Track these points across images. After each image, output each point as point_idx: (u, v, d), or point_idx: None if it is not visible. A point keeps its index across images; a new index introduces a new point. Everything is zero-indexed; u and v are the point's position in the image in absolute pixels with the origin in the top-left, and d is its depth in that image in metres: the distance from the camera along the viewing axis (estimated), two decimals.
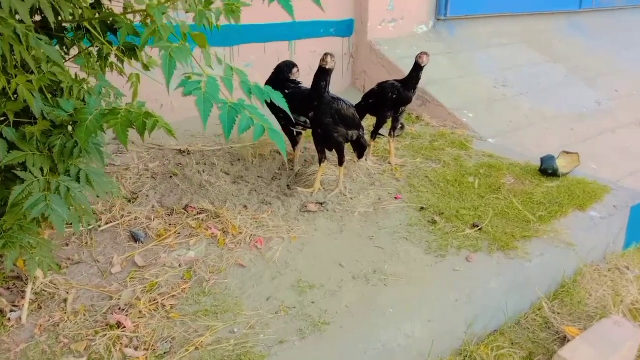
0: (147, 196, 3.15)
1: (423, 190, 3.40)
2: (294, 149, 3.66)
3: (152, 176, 3.42)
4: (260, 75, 5.09)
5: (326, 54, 2.93)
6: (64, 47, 2.06)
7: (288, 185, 3.51)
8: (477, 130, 4.61)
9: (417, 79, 3.51)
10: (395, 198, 3.28)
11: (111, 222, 2.81)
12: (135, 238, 2.68)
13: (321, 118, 3.06)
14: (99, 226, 2.78)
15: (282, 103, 1.66)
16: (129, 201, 3.11)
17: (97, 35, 1.83)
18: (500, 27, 6.60)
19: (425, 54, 3.45)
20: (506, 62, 6.01)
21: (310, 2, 5.29)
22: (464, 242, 2.83)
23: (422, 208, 3.16)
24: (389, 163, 3.80)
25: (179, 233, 2.74)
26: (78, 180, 1.84)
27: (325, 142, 3.20)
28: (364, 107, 3.78)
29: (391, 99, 3.53)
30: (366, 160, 3.80)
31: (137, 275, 2.42)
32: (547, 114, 5.16)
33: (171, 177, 3.40)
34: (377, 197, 3.27)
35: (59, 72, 1.82)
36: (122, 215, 2.86)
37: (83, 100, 1.89)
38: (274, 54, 5.04)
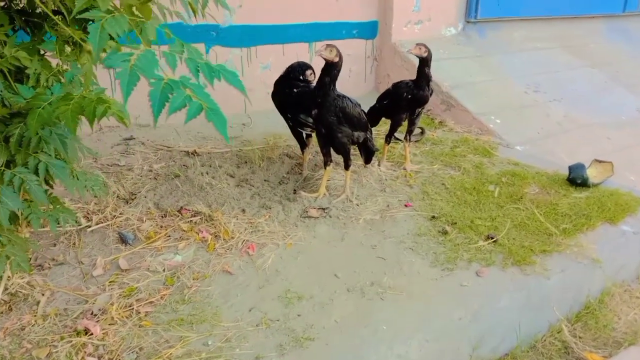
0: (145, 197, 3.04)
1: (437, 198, 3.16)
2: (303, 152, 3.49)
3: (154, 177, 3.32)
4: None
5: (326, 45, 2.74)
6: (40, 32, 1.96)
7: (295, 190, 3.34)
8: (504, 137, 4.33)
9: (426, 75, 3.27)
10: (405, 205, 3.05)
11: (102, 222, 2.71)
12: (123, 240, 2.57)
13: (325, 116, 2.89)
14: (89, 226, 2.68)
15: (236, 83, 1.48)
16: (127, 202, 3.01)
17: (52, 16, 1.70)
18: (535, 30, 6.27)
19: (420, 45, 3.21)
20: (540, 66, 5.68)
21: (332, 2, 5.11)
22: (476, 255, 2.58)
23: (433, 217, 2.93)
24: (404, 169, 3.58)
25: (169, 236, 2.61)
26: (37, 173, 1.72)
27: (330, 143, 3.02)
28: (378, 110, 3.58)
29: (406, 99, 3.31)
30: (379, 165, 3.59)
31: (118, 279, 2.29)
32: (582, 121, 4.81)
33: (173, 178, 3.28)
34: (385, 204, 3.06)
35: (24, 57, 1.71)
36: (114, 216, 2.75)
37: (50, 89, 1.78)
38: (293, 55, 4.89)
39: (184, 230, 2.62)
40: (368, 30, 5.30)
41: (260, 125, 4.50)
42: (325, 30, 5.01)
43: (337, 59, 2.73)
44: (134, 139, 4.03)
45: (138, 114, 4.27)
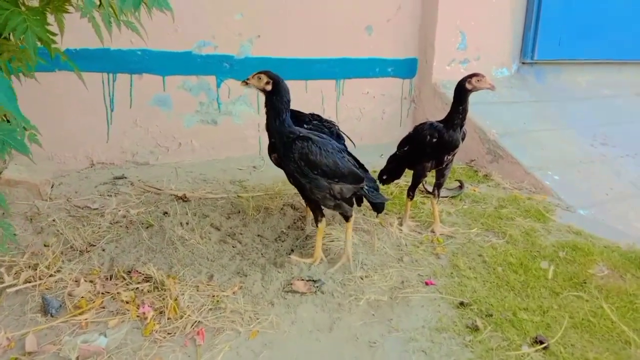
0: (101, 250, 2.48)
1: (469, 276, 2.42)
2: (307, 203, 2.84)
3: (126, 225, 2.77)
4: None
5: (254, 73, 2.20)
6: None
7: (292, 250, 2.69)
8: (563, 197, 3.53)
9: (463, 112, 2.60)
10: (426, 284, 2.33)
11: (31, 281, 2.14)
12: (45, 307, 1.98)
13: (284, 162, 2.24)
14: (14, 284, 2.12)
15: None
16: (81, 253, 2.45)
17: None
18: (602, 75, 5.48)
19: (477, 75, 2.55)
20: (608, 116, 4.86)
21: (364, 36, 4.49)
22: None
23: (461, 303, 2.18)
24: (431, 232, 2.86)
25: (103, 307, 1.99)
26: None
27: (306, 198, 2.37)
28: (399, 159, 2.91)
29: (430, 144, 2.63)
30: (400, 225, 2.89)
31: None
32: None
33: (147, 227, 2.72)
34: (399, 280, 2.34)
35: None
36: (49, 274, 2.18)
37: None
38: (316, 93, 4.34)
39: (123, 301, 2.01)
40: (405, 69, 4.69)
41: (273, 168, 3.90)
42: (355, 67, 4.45)
43: (269, 87, 2.18)
44: (125, 178, 3.53)
45: (136, 151, 3.81)
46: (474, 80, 2.54)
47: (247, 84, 2.23)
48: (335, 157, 2.21)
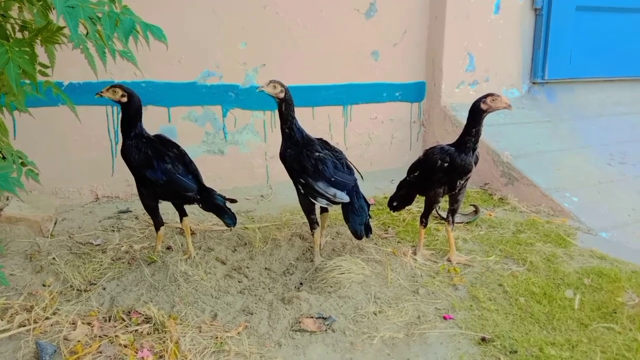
0: (102, 289, 2.37)
1: (490, 308, 2.27)
2: (313, 233, 2.72)
3: (128, 261, 2.67)
4: None
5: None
6: None
7: (301, 283, 2.57)
8: (583, 220, 3.38)
9: (476, 135, 2.49)
10: (444, 318, 2.18)
11: (25, 324, 2.03)
12: (39, 355, 1.87)
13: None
14: (8, 329, 2.01)
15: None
16: (80, 293, 2.34)
17: None
18: (616, 93, 5.35)
19: (491, 95, 2.45)
20: (626, 134, 4.72)
21: (371, 61, 4.45)
22: None
23: (483, 339, 2.03)
24: (448, 260, 2.72)
25: (100, 352, 1.87)
26: None
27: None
28: (409, 184, 2.79)
29: (441, 169, 2.51)
30: (414, 254, 2.76)
31: None
32: None
33: (149, 264, 2.61)
34: (416, 314, 2.20)
35: None
36: (45, 317, 2.07)
37: None
38: (324, 119, 4.27)
39: (122, 345, 1.89)
40: (413, 93, 4.61)
41: (281, 197, 3.82)
42: (363, 92, 4.37)
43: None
44: (130, 211, 3.45)
45: None
46: (489, 100, 2.44)
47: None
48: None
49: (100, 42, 1.67)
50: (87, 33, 1.39)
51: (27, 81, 1.57)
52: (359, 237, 2.59)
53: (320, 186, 2.50)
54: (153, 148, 2.47)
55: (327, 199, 2.54)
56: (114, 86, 2.39)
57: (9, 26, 1.67)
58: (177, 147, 2.58)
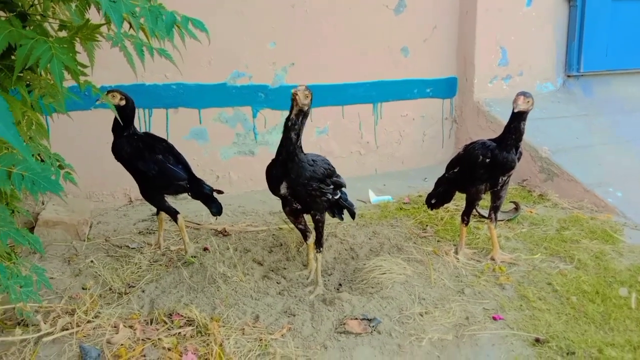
0: (141, 291, 2.35)
1: (541, 307, 2.17)
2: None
3: (165, 263, 2.64)
4: (337, 143, 4.27)
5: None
6: None
7: (340, 284, 2.51)
8: (629, 216, 3.24)
9: (518, 133, 2.39)
10: (494, 318, 2.09)
11: (68, 328, 2.01)
12: (83, 358, 1.84)
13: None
14: (51, 333, 1.99)
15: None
16: (120, 296, 2.32)
17: None
18: None
19: (524, 94, 2.35)
20: None
21: (400, 57, 4.33)
22: None
23: (537, 340, 1.94)
24: (491, 259, 2.63)
25: (143, 355, 1.84)
26: None
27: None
28: (448, 181, 2.70)
29: (483, 165, 2.42)
30: (456, 253, 2.67)
31: None
32: None
33: (188, 266, 2.58)
34: (464, 315, 2.11)
35: None
36: (87, 320, 2.05)
37: None
38: (354, 118, 4.20)
39: (165, 348, 1.85)
40: (445, 88, 4.51)
41: None
42: (393, 89, 4.29)
43: (123, 102, 2.54)
44: None
45: None
46: (514, 100, 2.37)
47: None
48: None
49: (138, 40, 1.64)
50: (128, 28, 1.36)
51: None
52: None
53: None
54: (143, 141, 2.60)
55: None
56: (112, 91, 2.54)
57: (48, 25, 1.66)
58: (165, 141, 2.70)
